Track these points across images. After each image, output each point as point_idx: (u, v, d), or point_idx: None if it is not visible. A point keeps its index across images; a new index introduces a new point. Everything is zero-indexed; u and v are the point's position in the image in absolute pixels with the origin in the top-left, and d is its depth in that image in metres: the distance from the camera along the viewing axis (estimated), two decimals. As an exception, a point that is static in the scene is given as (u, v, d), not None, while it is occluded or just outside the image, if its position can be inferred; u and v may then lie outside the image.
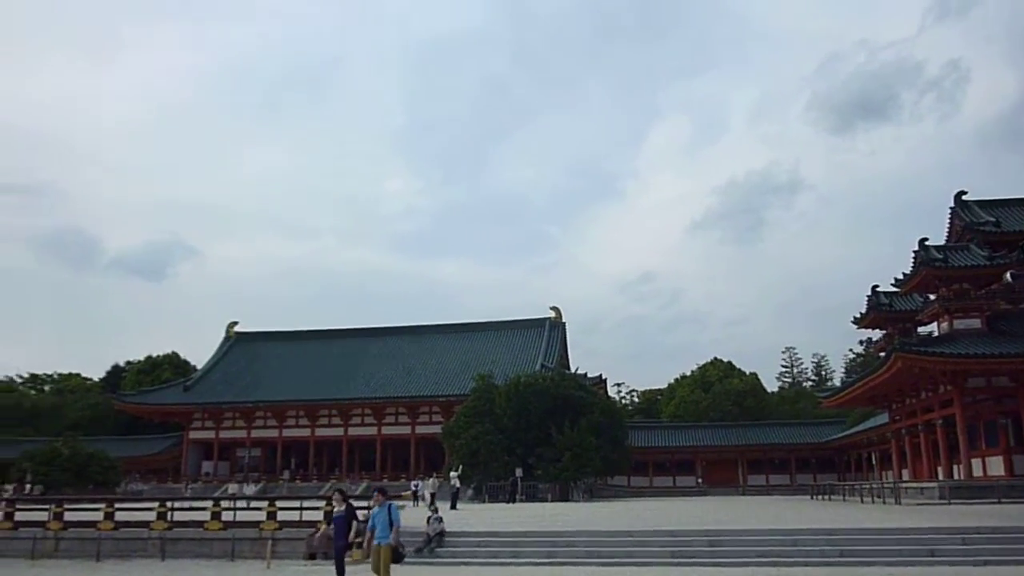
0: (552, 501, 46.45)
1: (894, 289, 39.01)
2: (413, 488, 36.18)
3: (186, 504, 24.14)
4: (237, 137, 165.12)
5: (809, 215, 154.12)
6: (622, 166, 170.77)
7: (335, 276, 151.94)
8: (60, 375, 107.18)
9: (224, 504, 22.50)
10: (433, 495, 35.30)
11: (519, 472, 47.54)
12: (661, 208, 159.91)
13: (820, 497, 44.25)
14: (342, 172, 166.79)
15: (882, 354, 46.07)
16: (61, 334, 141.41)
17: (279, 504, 21.22)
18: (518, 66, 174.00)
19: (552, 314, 72.96)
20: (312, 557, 19.20)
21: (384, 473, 63.84)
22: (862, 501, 34.35)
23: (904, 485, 32.71)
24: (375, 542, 12.98)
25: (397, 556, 13.20)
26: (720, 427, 71.15)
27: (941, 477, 35.28)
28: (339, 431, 67.67)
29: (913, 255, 34.33)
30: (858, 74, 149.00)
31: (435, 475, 38.73)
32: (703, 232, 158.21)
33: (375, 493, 13.63)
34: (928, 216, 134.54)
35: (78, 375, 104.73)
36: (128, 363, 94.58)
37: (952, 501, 28.87)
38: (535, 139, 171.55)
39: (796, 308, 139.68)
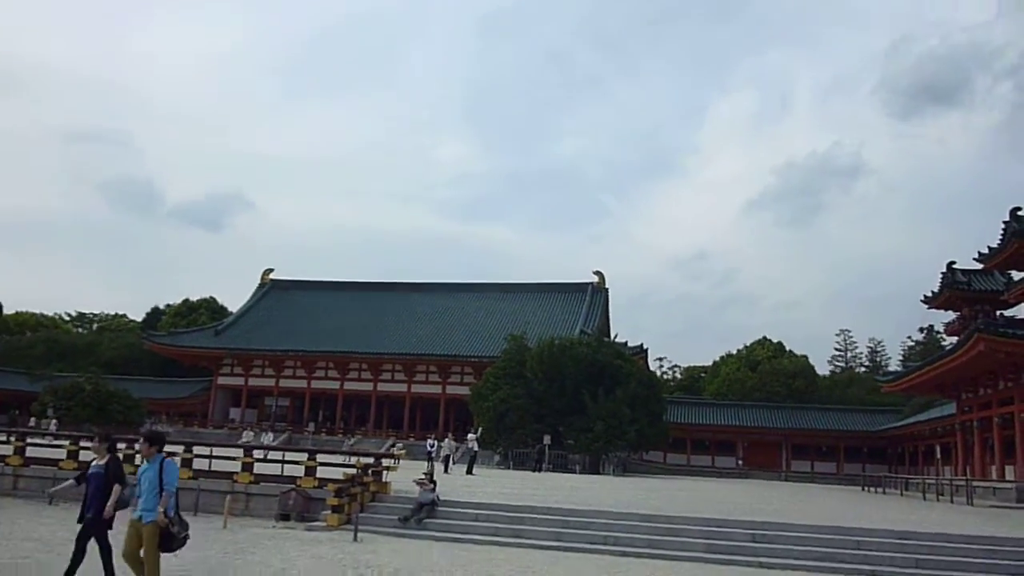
0: (581, 473, 43.78)
1: (975, 266, 34.99)
2: (428, 449, 33.58)
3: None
4: (301, 97, 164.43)
5: (870, 200, 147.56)
6: (683, 140, 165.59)
7: (388, 236, 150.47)
8: (107, 315, 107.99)
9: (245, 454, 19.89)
10: (448, 457, 32.96)
11: (547, 439, 44.81)
12: (719, 185, 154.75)
13: (872, 489, 40.67)
14: (401, 135, 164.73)
15: (950, 339, 42.21)
16: (116, 276, 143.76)
17: (311, 457, 18.46)
18: (583, 38, 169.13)
19: (595, 279, 69.74)
20: (285, 518, 16.64)
21: (412, 432, 61.67)
22: (924, 498, 30.88)
23: (976, 484, 29.04)
24: (133, 515, 8.52)
25: (167, 540, 8.40)
26: (765, 407, 67.40)
27: (1010, 477, 31.62)
28: (368, 386, 65.74)
29: (1003, 226, 30.26)
30: (930, 57, 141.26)
31: (450, 436, 35.95)
32: (759, 212, 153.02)
33: (143, 441, 8.94)
34: (995, 206, 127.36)
35: (124, 316, 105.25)
36: (168, 306, 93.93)
37: (1032, 505, 25.33)
38: (596, 110, 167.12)
39: (851, 294, 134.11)
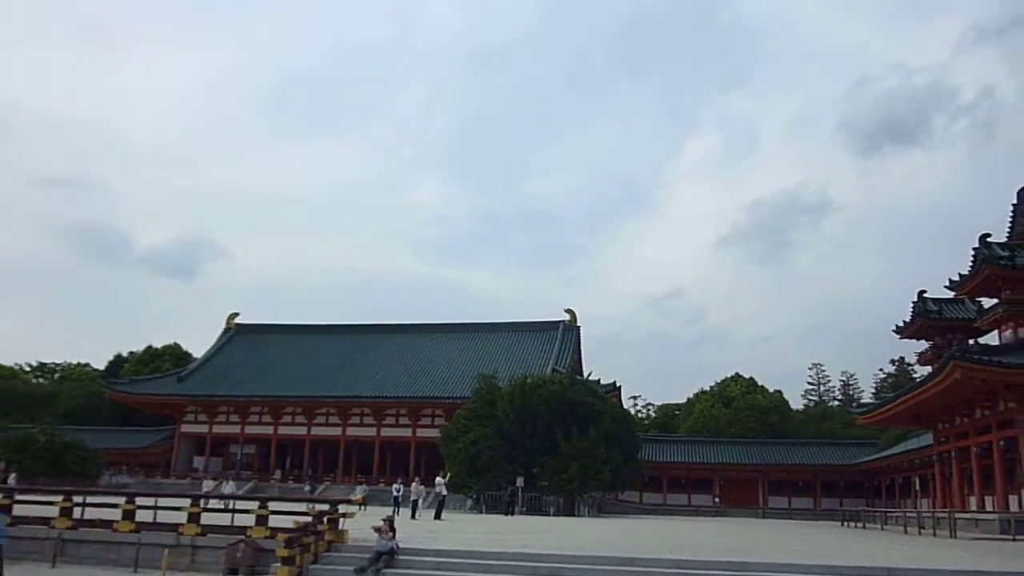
0: (556, 515, 42.56)
1: (945, 295, 34.78)
2: (395, 494, 32.32)
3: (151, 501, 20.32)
4: (279, 135, 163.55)
5: (838, 236, 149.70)
6: (656, 178, 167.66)
7: (366, 278, 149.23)
8: (69, 364, 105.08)
9: (192, 503, 18.56)
10: (416, 502, 31.69)
11: (520, 481, 43.62)
12: (690, 222, 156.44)
13: (851, 524, 39.85)
14: (380, 175, 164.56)
15: (923, 370, 41.90)
16: (80, 325, 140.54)
17: (263, 506, 17.18)
18: (561, 75, 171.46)
19: (567, 317, 69.06)
20: (233, 572, 15.42)
21: (382, 477, 59.95)
22: (906, 531, 30.07)
23: (959, 515, 28.32)
24: None
25: None
26: (740, 444, 66.62)
27: (990, 507, 31.00)
28: (337, 431, 64.00)
29: (973, 253, 30.05)
30: (889, 97, 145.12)
31: (417, 480, 34.63)
32: (729, 249, 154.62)
33: None
34: (962, 239, 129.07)
35: (87, 365, 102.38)
36: (131, 353, 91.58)
37: (1017, 536, 24.57)
38: (571, 149, 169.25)
39: (823, 330, 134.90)
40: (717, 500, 62.13)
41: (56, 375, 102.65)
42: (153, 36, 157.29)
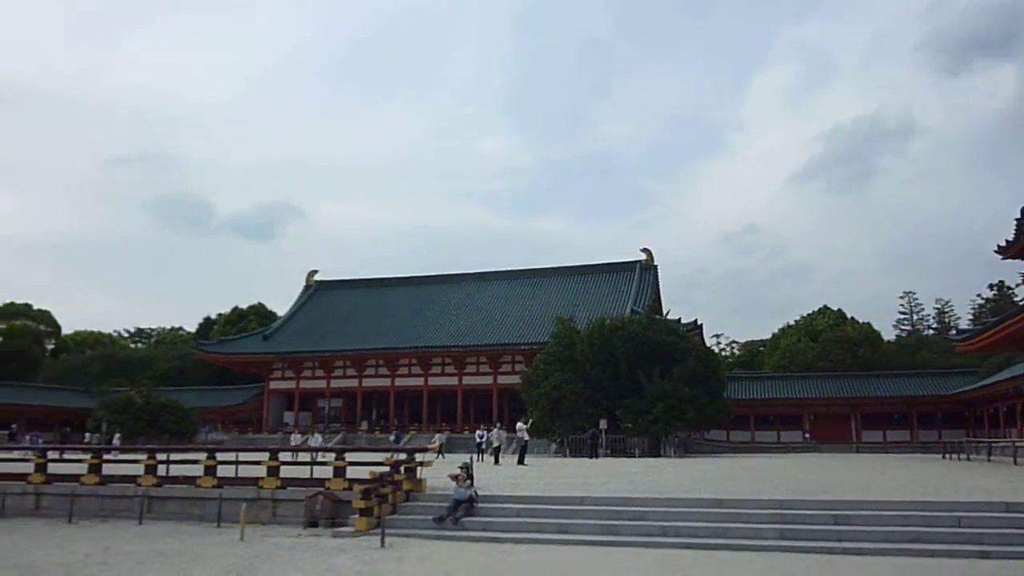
0: (640, 456, 41.93)
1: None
2: (478, 440, 32.13)
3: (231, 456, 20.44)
4: (344, 102, 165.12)
5: (924, 160, 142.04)
6: (725, 117, 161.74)
7: (439, 234, 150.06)
8: (163, 329, 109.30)
9: (283, 456, 18.51)
10: (498, 448, 31.46)
11: (603, 424, 43.02)
12: (765, 158, 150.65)
13: (952, 456, 38.02)
14: (444, 132, 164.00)
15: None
16: (171, 291, 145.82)
17: (340, 457, 16.97)
18: (619, 23, 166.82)
19: (643, 257, 67.48)
20: (313, 524, 15.25)
21: (466, 425, 60.36)
22: (1015, 462, 28.34)
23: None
24: None
25: None
26: (830, 377, 64.44)
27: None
28: (419, 381, 64.59)
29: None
30: (975, 7, 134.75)
31: (499, 426, 34.40)
32: (807, 182, 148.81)
33: None
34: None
35: (180, 328, 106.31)
36: (220, 315, 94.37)
37: None
38: (636, 95, 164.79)
39: (913, 259, 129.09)
40: (808, 436, 60.45)
41: (152, 340, 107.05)
42: (222, 13, 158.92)
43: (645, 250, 67.61)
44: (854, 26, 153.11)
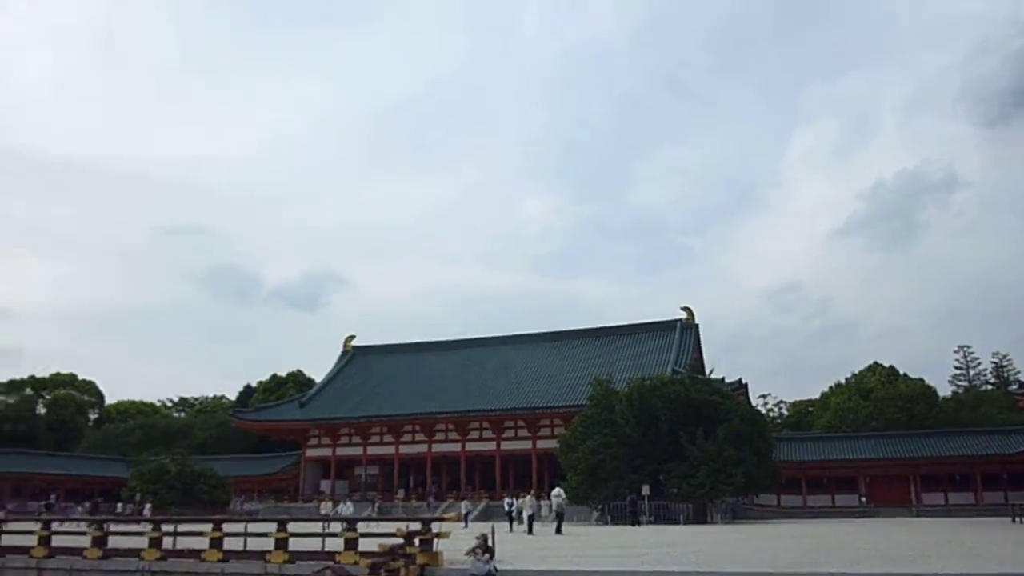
0: (685, 523, 39.88)
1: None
2: (507, 508, 30.62)
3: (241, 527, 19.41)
4: (385, 166, 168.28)
5: (969, 213, 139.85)
6: (765, 175, 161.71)
7: (476, 298, 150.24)
8: (206, 398, 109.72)
9: (292, 527, 17.45)
10: (531, 517, 29.92)
11: (646, 489, 41.19)
12: (806, 215, 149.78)
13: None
14: (483, 196, 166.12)
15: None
16: (217, 360, 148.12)
17: (351, 528, 15.81)
18: (658, 82, 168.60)
19: (684, 315, 65.93)
20: (320, 603, 14.05)
21: (504, 491, 58.51)
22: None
23: None
24: None
25: None
26: (885, 437, 61.58)
27: None
28: (456, 447, 63.12)
29: None
30: (1013, 59, 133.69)
31: (531, 493, 32.87)
32: (848, 239, 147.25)
33: None
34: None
35: (223, 397, 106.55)
36: (260, 383, 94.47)
37: None
38: (673, 153, 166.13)
39: (964, 312, 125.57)
40: (864, 499, 57.46)
41: (195, 408, 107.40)
42: (261, 83, 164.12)
43: (686, 308, 66.16)
44: (892, 80, 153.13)
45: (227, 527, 16.77)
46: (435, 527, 15.11)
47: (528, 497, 31.75)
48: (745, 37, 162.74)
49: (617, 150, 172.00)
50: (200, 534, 16.76)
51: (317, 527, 18.29)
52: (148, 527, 17.01)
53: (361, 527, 15.84)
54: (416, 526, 15.13)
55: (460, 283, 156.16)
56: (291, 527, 15.96)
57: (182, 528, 17.57)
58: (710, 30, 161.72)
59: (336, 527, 16.19)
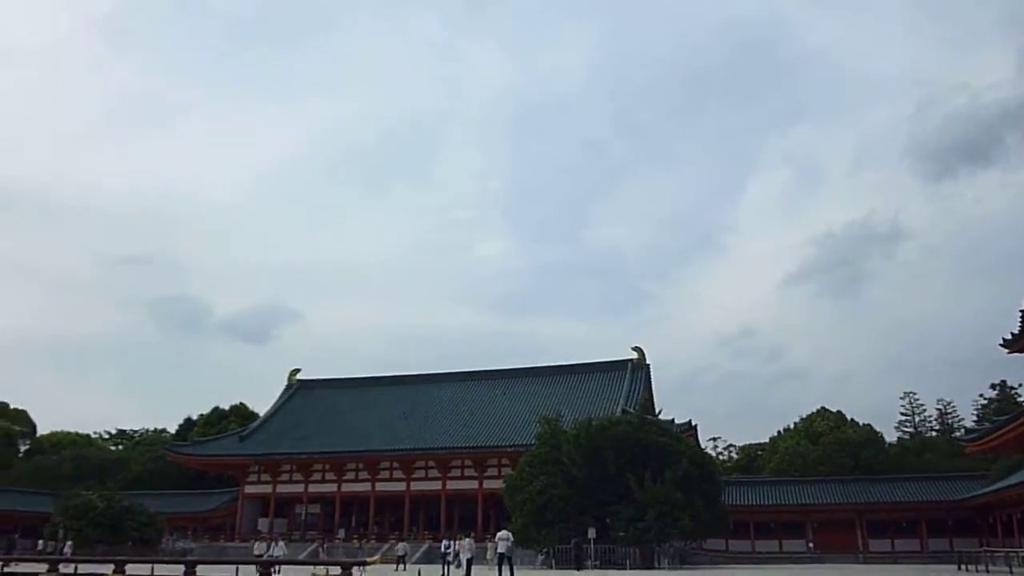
0: (632, 568, 38.88)
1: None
2: (443, 551, 29.38)
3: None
4: (341, 203, 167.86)
5: (913, 264, 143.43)
6: (721, 219, 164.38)
7: (431, 337, 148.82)
8: (146, 430, 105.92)
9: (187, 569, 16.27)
10: (470, 560, 28.69)
11: (592, 532, 40.11)
12: (758, 261, 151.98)
13: (971, 567, 35.18)
14: (439, 233, 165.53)
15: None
16: (159, 392, 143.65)
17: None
18: (614, 128, 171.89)
19: (634, 355, 65.39)
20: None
21: (449, 532, 56.85)
22: (1042, 576, 25.77)
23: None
24: None
25: None
26: (833, 482, 61.41)
27: None
28: (401, 486, 61.22)
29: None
30: (956, 117, 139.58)
31: (470, 536, 31.63)
32: (801, 285, 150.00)
33: None
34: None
35: (163, 430, 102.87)
36: (201, 415, 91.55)
37: None
38: (631, 197, 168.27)
39: (909, 360, 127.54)
40: (811, 545, 57.03)
41: (133, 441, 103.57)
42: (220, 121, 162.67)
43: (636, 348, 65.50)
44: (840, 133, 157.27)
45: (131, 568, 15.38)
46: (355, 572, 14.01)
47: (467, 540, 30.51)
48: (701, 88, 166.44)
49: (574, 192, 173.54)
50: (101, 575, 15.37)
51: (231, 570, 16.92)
52: (44, 567, 15.52)
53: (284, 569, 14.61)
54: (336, 571, 14.00)
55: (414, 322, 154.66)
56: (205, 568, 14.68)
57: (82, 569, 16.11)
58: (658, 82, 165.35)
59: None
